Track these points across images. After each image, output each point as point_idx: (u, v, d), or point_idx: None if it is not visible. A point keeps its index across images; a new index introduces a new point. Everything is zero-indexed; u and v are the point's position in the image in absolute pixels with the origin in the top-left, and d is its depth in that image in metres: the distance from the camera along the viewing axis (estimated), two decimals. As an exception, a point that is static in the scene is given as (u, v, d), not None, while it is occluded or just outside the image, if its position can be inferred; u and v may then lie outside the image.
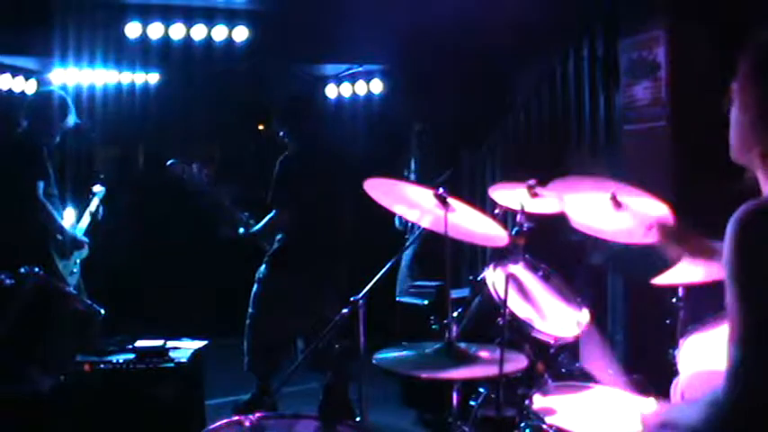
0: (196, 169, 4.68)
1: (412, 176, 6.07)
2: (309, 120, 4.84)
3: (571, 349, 3.07)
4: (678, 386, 2.50)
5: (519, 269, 3.12)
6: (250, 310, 4.71)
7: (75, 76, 6.91)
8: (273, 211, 4.63)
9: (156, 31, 6.40)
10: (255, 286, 4.71)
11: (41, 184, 4.69)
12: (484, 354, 2.53)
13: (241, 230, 4.67)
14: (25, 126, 4.89)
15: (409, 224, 5.43)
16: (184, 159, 4.72)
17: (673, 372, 2.65)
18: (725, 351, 1.59)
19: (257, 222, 4.70)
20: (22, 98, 6.63)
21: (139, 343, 4.05)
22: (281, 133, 4.79)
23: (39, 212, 4.68)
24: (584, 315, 3.09)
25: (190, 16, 6.51)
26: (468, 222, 2.72)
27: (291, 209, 4.59)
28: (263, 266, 4.71)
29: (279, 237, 4.69)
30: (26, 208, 4.68)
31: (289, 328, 4.65)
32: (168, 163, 4.67)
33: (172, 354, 4.02)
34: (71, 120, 5.04)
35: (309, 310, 4.47)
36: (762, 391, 1.55)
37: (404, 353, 2.61)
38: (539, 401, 2.66)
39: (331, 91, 7.83)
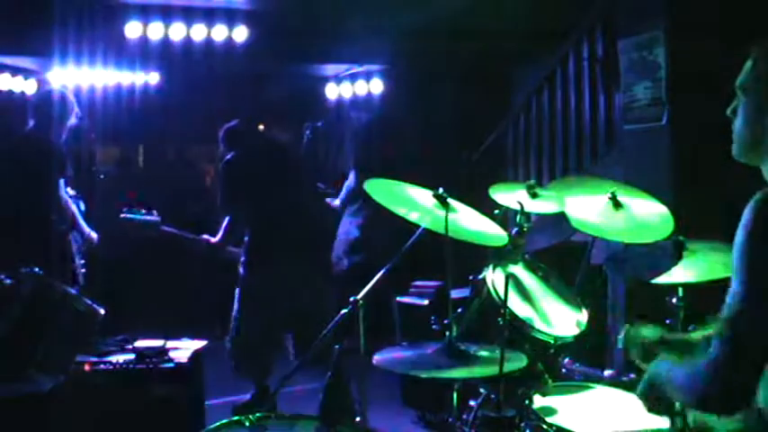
0: (149, 216, 4.69)
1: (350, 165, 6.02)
2: (251, 137, 4.91)
3: (571, 349, 3.06)
4: None
5: (519, 269, 3.12)
6: (233, 313, 4.74)
7: (74, 76, 6.91)
8: (227, 216, 4.69)
9: (155, 31, 6.41)
10: (236, 289, 4.75)
11: (63, 181, 4.75)
12: (484, 354, 2.53)
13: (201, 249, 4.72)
14: (33, 126, 4.92)
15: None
16: (131, 208, 4.71)
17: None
18: (718, 326, 1.67)
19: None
20: (22, 98, 6.65)
21: (139, 343, 4.05)
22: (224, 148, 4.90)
23: (61, 209, 4.73)
24: (584, 315, 3.09)
25: (189, 16, 6.52)
26: (468, 223, 2.72)
27: (243, 208, 4.65)
28: (239, 268, 4.75)
29: (245, 238, 4.73)
30: (48, 205, 4.72)
31: (269, 325, 4.68)
32: (121, 216, 4.65)
33: (172, 354, 4.01)
34: (75, 117, 5.06)
35: (289, 304, 4.51)
36: (745, 362, 1.62)
37: (404, 353, 2.61)
38: (539, 401, 2.66)
39: (331, 91, 7.83)
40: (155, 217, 4.68)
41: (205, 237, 4.80)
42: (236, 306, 4.73)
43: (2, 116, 6.67)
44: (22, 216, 4.74)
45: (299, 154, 5.64)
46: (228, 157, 4.77)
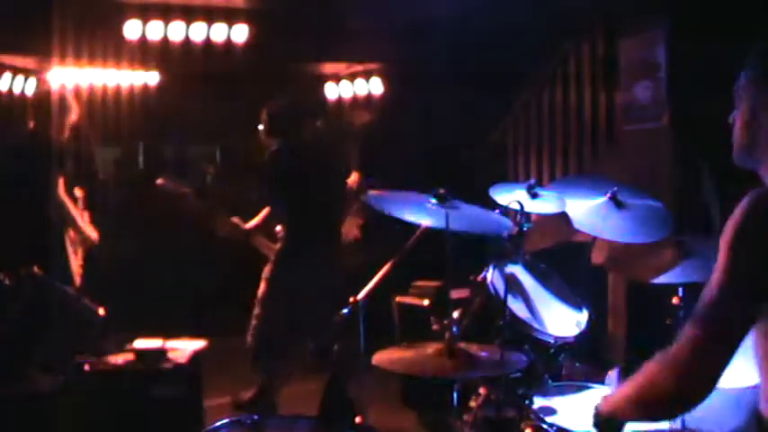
0: (185, 186, 4.70)
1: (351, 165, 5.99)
2: (294, 125, 4.87)
3: (571, 349, 3.07)
4: None
5: (519, 269, 3.13)
6: (256, 310, 4.67)
7: (74, 76, 6.91)
8: (268, 207, 4.63)
9: (155, 30, 6.40)
10: (262, 286, 4.68)
11: (61, 180, 4.76)
12: (484, 354, 2.53)
13: (227, 230, 4.67)
14: (33, 126, 4.93)
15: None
16: (173, 176, 4.73)
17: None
18: (694, 309, 1.70)
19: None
20: (22, 98, 6.66)
21: (139, 343, 4.05)
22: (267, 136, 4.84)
23: (58, 208, 4.74)
24: (584, 315, 3.09)
25: (189, 15, 6.52)
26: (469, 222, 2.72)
27: (286, 202, 4.60)
28: (270, 265, 4.68)
29: (282, 234, 4.68)
30: (46, 204, 4.73)
31: (298, 326, 4.62)
32: (157, 182, 4.68)
33: (171, 354, 4.01)
34: (74, 114, 5.06)
35: (318, 306, 4.47)
36: (713, 350, 1.65)
37: (404, 353, 2.61)
38: (539, 401, 2.66)
39: (331, 90, 7.82)
40: (188, 188, 4.70)
41: (236, 219, 4.74)
42: (262, 305, 4.65)
43: (2, 117, 6.68)
44: (21, 216, 4.74)
45: (340, 154, 5.58)
46: (276, 147, 4.72)
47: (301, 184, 4.60)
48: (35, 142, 4.88)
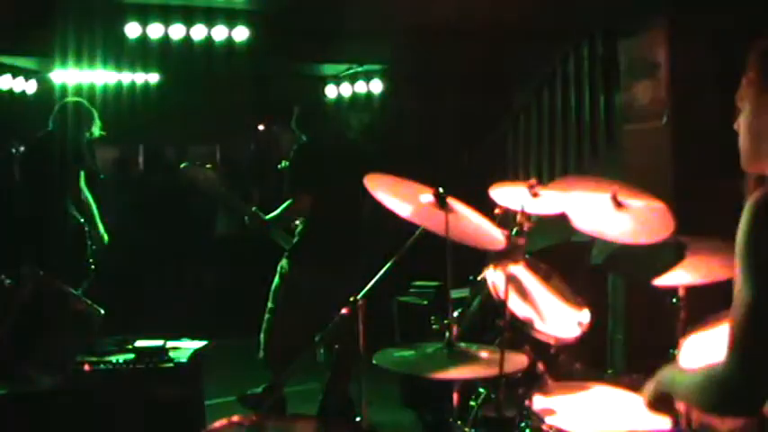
0: (209, 171, 4.69)
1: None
2: (324, 121, 4.89)
3: (571, 349, 3.07)
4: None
5: (519, 269, 3.12)
6: (269, 304, 4.62)
7: (74, 77, 6.91)
8: (291, 198, 4.58)
9: (155, 31, 6.41)
10: (276, 280, 4.61)
11: (83, 173, 4.80)
12: (484, 354, 2.53)
13: (247, 219, 4.63)
14: (52, 127, 4.98)
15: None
16: (197, 162, 4.73)
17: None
18: (727, 328, 1.63)
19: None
20: (22, 98, 6.68)
21: (139, 343, 4.05)
22: (297, 131, 4.83)
23: (80, 202, 4.78)
24: (584, 315, 3.09)
25: (189, 16, 6.53)
26: (467, 222, 2.72)
27: (309, 195, 4.54)
28: (285, 261, 4.63)
29: (299, 230, 4.63)
30: (69, 200, 4.78)
31: (310, 325, 4.57)
32: (181, 167, 4.66)
33: (171, 354, 4.01)
34: (96, 131, 5.09)
35: (332, 307, 4.42)
36: (759, 370, 1.59)
37: (404, 353, 2.61)
38: (539, 401, 2.66)
39: (331, 91, 7.84)
40: (213, 175, 4.69)
41: (254, 209, 4.69)
42: (275, 299, 4.58)
43: (19, 118, 6.72)
44: (24, 215, 4.78)
45: (370, 154, 5.53)
46: (305, 140, 4.71)
47: (327, 177, 4.56)
48: (53, 142, 4.93)
